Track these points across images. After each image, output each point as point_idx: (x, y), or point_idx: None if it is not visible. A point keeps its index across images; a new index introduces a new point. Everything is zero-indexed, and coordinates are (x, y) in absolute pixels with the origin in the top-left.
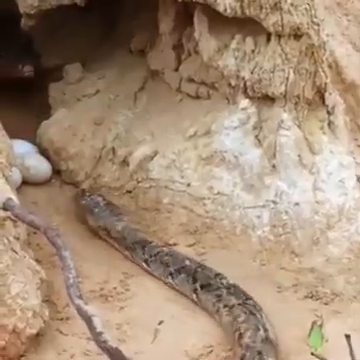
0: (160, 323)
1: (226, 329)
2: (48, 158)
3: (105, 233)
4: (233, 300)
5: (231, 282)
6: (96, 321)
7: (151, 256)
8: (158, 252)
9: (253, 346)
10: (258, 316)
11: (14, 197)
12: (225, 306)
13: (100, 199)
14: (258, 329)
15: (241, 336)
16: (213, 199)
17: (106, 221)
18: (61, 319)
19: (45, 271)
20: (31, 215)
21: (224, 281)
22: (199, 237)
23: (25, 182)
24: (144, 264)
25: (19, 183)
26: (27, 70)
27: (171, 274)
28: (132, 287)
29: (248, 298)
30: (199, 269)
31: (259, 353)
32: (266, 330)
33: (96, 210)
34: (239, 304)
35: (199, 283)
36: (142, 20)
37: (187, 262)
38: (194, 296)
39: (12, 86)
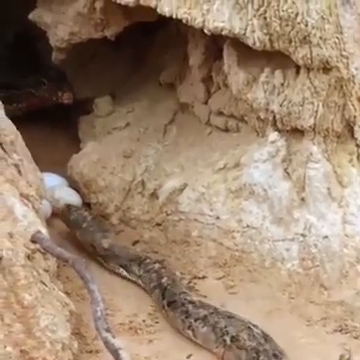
0: (189, 356)
1: (207, 339)
2: (78, 191)
3: (92, 249)
4: (203, 311)
5: (196, 298)
6: (123, 354)
7: (145, 272)
8: (150, 269)
9: (264, 349)
10: (238, 317)
11: (44, 229)
12: (196, 319)
13: (87, 214)
14: (250, 328)
15: (236, 338)
16: (242, 232)
17: (93, 237)
18: (90, 352)
19: (74, 303)
20: (60, 248)
21: (188, 298)
22: (228, 270)
23: (55, 214)
24: (139, 281)
25: (49, 215)
26: (66, 98)
27: (151, 290)
28: (161, 320)
29: (217, 308)
30: (169, 286)
31: (275, 356)
32: (256, 326)
33: (84, 225)
34: (211, 313)
35: (166, 300)
36: (171, 53)
37: (163, 280)
38: (164, 312)
39: (47, 116)
